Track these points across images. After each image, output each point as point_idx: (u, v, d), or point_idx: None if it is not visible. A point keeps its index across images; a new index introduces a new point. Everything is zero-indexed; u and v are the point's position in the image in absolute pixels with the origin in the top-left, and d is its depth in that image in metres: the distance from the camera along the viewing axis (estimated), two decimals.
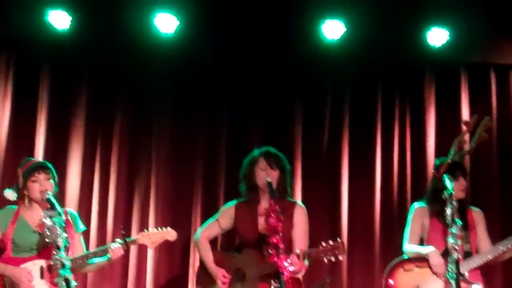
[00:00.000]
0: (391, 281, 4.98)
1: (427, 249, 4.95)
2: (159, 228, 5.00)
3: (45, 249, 4.58)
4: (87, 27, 6.11)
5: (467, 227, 4.96)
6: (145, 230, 5.01)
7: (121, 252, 4.73)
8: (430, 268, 4.89)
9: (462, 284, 4.69)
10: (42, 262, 4.61)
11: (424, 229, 5.11)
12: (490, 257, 4.92)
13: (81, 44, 6.20)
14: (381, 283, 6.06)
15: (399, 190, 6.46)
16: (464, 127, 4.93)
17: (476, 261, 4.92)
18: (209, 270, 4.85)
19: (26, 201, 4.76)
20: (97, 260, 4.80)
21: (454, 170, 4.95)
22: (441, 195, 4.91)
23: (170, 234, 4.96)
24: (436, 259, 4.85)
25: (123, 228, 5.01)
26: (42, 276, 4.60)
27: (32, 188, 4.68)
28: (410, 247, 5.08)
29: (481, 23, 6.31)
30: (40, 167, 4.72)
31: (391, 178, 6.48)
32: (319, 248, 4.52)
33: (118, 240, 4.77)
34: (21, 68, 6.21)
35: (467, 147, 4.90)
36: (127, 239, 4.79)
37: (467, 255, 4.94)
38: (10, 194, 4.75)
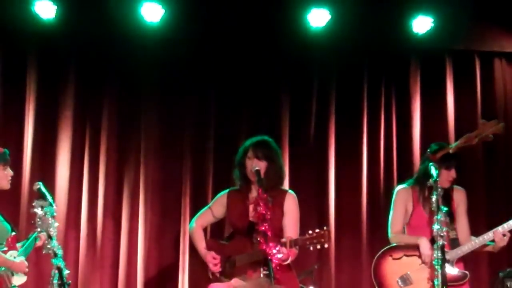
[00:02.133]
0: None
1: (417, 239, 4.86)
2: None
3: (11, 238, 4.59)
4: (73, 16, 6.11)
5: (452, 214, 4.93)
6: None
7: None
8: (419, 256, 4.85)
9: (450, 273, 4.75)
10: (14, 253, 4.57)
11: (407, 214, 5.01)
12: (476, 245, 4.86)
13: (67, 34, 6.19)
14: (367, 269, 6.24)
15: (385, 177, 6.56)
16: (480, 126, 4.84)
17: (463, 249, 4.87)
18: (201, 256, 4.84)
19: None
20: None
21: (451, 160, 4.87)
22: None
23: None
24: (426, 249, 4.78)
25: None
26: None
27: (3, 176, 4.61)
28: (397, 238, 5.00)
29: (465, 10, 6.41)
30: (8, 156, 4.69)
31: (378, 165, 6.57)
32: (305, 236, 4.48)
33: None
34: (7, 59, 6.20)
35: (474, 142, 4.82)
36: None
37: (454, 242, 4.90)
38: None
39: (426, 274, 4.83)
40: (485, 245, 4.91)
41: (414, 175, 5.21)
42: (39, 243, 4.63)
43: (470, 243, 4.89)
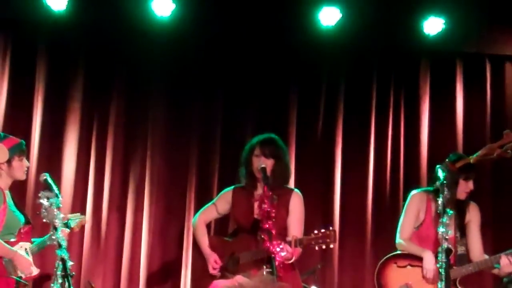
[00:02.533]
0: None
1: (423, 252, 4.78)
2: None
3: (23, 229, 4.62)
4: (84, 8, 6.10)
5: (463, 229, 4.84)
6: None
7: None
8: (422, 269, 4.75)
9: None
10: (26, 244, 4.62)
11: (418, 220, 4.91)
12: (482, 266, 4.78)
13: (77, 26, 6.20)
14: (371, 270, 6.21)
15: (392, 178, 6.51)
16: (504, 136, 4.69)
17: (469, 269, 4.76)
18: (203, 254, 4.85)
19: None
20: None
21: (470, 171, 4.78)
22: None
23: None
24: (430, 264, 4.70)
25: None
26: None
27: (19, 166, 4.63)
28: (404, 246, 4.88)
29: (476, 13, 6.35)
30: (25, 147, 4.72)
31: (384, 166, 6.53)
32: (310, 235, 4.49)
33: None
34: (18, 50, 6.22)
35: (496, 153, 4.65)
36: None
37: (461, 258, 4.79)
38: None
39: (428, 287, 4.76)
40: (492, 267, 4.82)
41: (432, 184, 4.94)
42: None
43: (475, 263, 4.79)
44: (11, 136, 4.79)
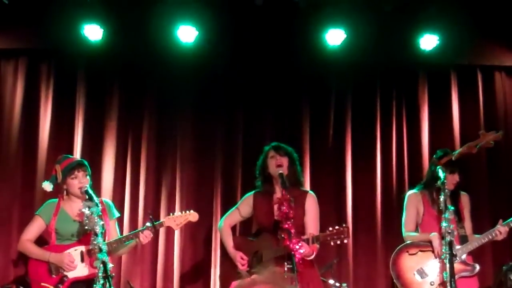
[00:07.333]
0: None
1: (429, 236, 4.81)
2: (182, 211, 4.94)
3: (84, 236, 4.63)
4: (118, 38, 6.12)
5: (460, 214, 4.91)
6: (170, 214, 4.96)
7: (150, 234, 4.64)
8: (432, 251, 4.79)
9: (462, 266, 4.76)
10: (82, 248, 4.61)
11: (419, 215, 5.00)
12: (484, 240, 4.84)
13: (112, 53, 6.21)
14: (382, 263, 6.07)
15: (398, 180, 6.41)
16: (480, 137, 4.80)
17: (473, 245, 4.83)
18: (229, 254, 4.82)
19: (65, 194, 4.76)
20: (128, 242, 4.75)
21: (454, 165, 4.87)
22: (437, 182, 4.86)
23: (192, 215, 4.86)
24: (438, 242, 4.71)
25: (151, 213, 5.00)
26: (82, 260, 4.61)
27: (72, 184, 4.66)
28: (411, 236, 4.96)
29: (467, 28, 6.23)
30: (79, 165, 4.71)
31: (390, 169, 6.44)
32: (326, 232, 4.48)
33: (147, 224, 4.69)
34: (60, 76, 6.23)
35: (474, 151, 4.81)
36: (155, 222, 4.71)
37: (463, 239, 4.86)
38: (47, 185, 4.70)
39: (440, 267, 4.76)
40: (491, 239, 4.88)
41: (422, 181, 5.17)
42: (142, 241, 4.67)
43: (479, 239, 4.86)
44: (70, 157, 4.88)
